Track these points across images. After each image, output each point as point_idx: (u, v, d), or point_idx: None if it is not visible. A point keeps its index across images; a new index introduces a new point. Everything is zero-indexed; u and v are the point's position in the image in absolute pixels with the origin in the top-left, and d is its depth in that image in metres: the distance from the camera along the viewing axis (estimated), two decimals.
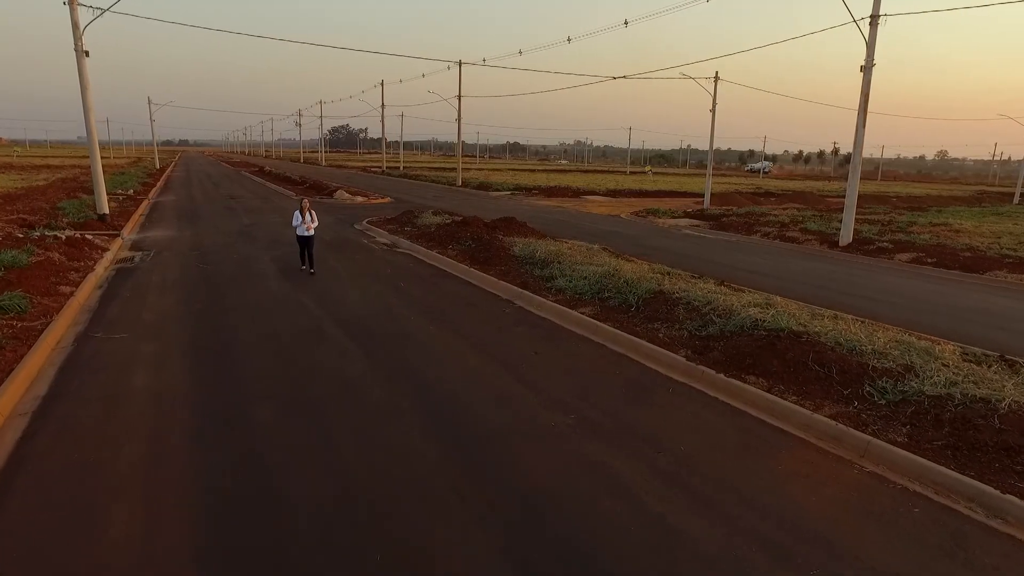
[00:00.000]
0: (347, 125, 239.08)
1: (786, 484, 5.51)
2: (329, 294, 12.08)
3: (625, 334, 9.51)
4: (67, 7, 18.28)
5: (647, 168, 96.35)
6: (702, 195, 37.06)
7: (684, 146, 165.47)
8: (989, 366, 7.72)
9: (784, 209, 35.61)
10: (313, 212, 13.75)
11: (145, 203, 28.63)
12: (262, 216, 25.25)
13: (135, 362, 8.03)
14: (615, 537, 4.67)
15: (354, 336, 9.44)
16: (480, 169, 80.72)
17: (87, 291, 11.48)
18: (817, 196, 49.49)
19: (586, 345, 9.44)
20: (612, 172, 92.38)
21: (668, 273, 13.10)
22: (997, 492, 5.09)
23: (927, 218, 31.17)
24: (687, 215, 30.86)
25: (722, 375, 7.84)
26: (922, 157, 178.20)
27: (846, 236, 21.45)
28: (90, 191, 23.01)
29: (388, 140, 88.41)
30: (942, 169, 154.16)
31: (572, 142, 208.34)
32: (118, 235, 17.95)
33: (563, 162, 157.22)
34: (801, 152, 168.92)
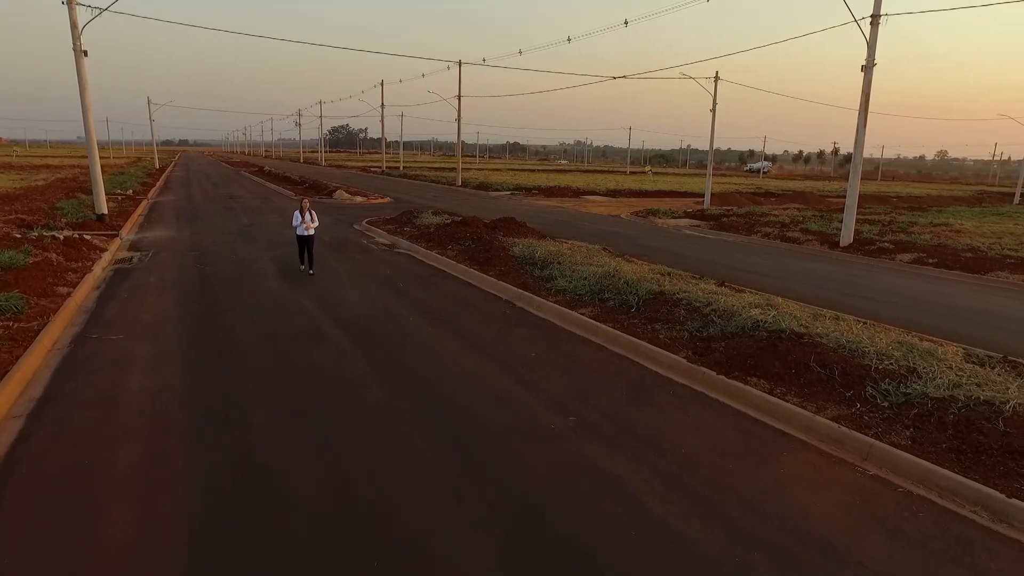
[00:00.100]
0: (347, 125, 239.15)
1: (788, 487, 5.45)
2: (328, 294, 12.02)
3: (625, 335, 9.45)
4: (65, 6, 18.22)
5: (647, 168, 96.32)
6: (702, 195, 37.02)
7: (684, 146, 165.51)
8: (992, 368, 7.67)
9: (784, 209, 35.56)
10: (313, 212, 13.69)
11: (144, 203, 28.57)
12: (261, 216, 25.19)
13: (132, 363, 7.97)
14: (615, 540, 4.62)
15: (353, 337, 9.38)
16: (480, 169, 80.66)
17: (84, 292, 11.42)
18: (817, 196, 49.45)
19: (586, 346, 9.38)
20: (612, 172, 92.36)
21: (668, 274, 13.04)
22: (1003, 496, 5.03)
23: (928, 218, 31.12)
24: (687, 215, 30.81)
25: (723, 376, 7.78)
26: (922, 157, 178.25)
27: (847, 236, 21.39)
28: (89, 191, 22.94)
29: (388, 140, 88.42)
30: (942, 169, 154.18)
31: (572, 142, 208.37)
32: (116, 235, 17.89)
33: (563, 162, 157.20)
34: (801, 152, 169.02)
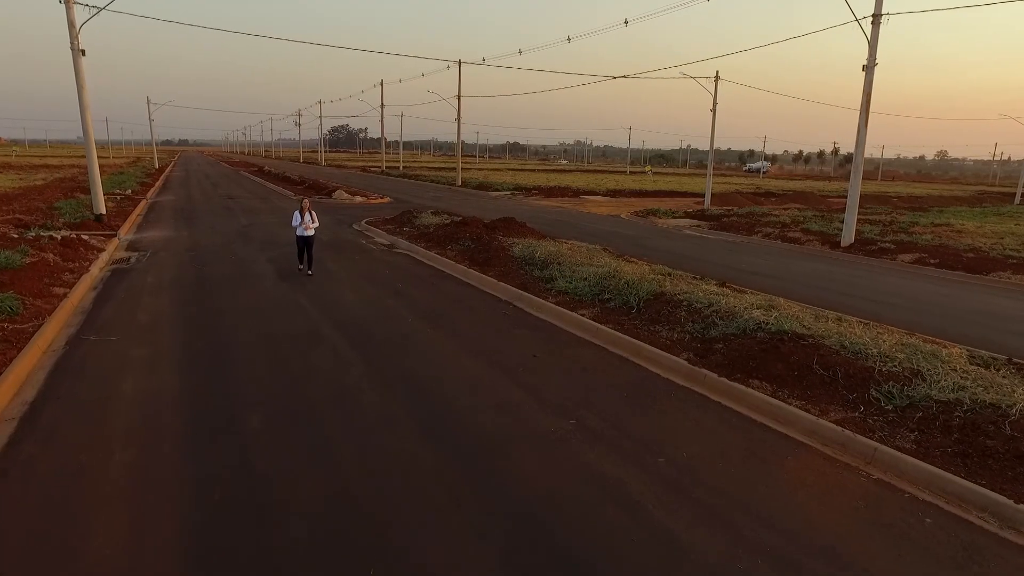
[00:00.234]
0: (347, 125, 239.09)
1: (791, 492, 5.36)
2: (326, 296, 11.93)
3: (626, 337, 9.36)
4: (63, 5, 18.12)
5: (647, 168, 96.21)
6: (702, 195, 36.93)
7: (684, 146, 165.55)
8: (997, 370, 7.58)
9: (785, 209, 35.48)
10: (313, 212, 13.57)
11: (143, 203, 28.48)
12: (260, 216, 25.10)
13: (127, 366, 7.88)
14: (617, 547, 4.53)
15: (351, 339, 9.29)
16: (480, 169, 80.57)
17: (81, 292, 11.33)
18: (818, 196, 49.38)
19: (586, 348, 9.29)
20: (612, 172, 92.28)
21: (669, 274, 12.95)
22: (1011, 502, 4.94)
23: (929, 218, 31.03)
24: (687, 215, 30.73)
25: (725, 379, 7.70)
26: (922, 157, 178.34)
27: (848, 237, 21.30)
28: (88, 191, 22.84)
29: (388, 140, 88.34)
30: (942, 169, 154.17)
31: (572, 142, 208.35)
32: (115, 235, 17.80)
33: (563, 162, 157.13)
34: (801, 152, 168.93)
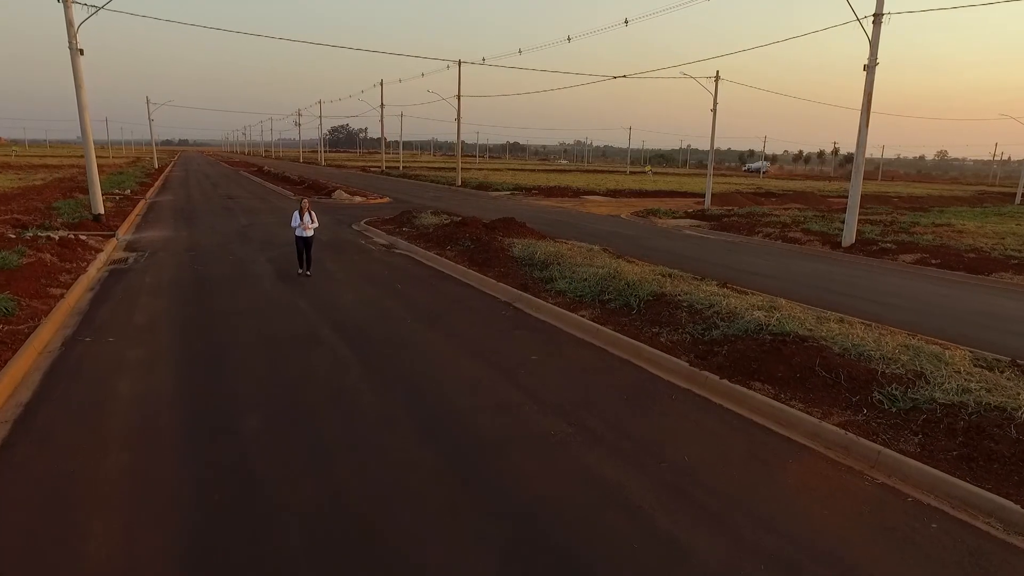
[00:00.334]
0: (347, 125, 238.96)
1: (794, 496, 5.30)
2: (325, 297, 11.86)
3: (626, 338, 9.29)
4: (61, 4, 18.05)
5: (647, 168, 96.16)
6: (702, 195, 36.86)
7: (684, 146, 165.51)
8: (1002, 372, 7.51)
9: (785, 209, 35.41)
10: (313, 213, 13.47)
11: (142, 203, 28.42)
12: (259, 216, 25.03)
13: (123, 367, 7.80)
14: (617, 552, 4.46)
15: (349, 340, 9.22)
16: (480, 169, 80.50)
17: (78, 293, 11.26)
18: (818, 196, 49.32)
19: (586, 349, 9.22)
20: (612, 172, 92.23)
21: (670, 275, 12.89)
22: (1018, 507, 4.87)
23: (929, 218, 30.96)
24: (688, 215, 30.66)
25: (726, 381, 7.63)
26: (922, 157, 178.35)
27: (849, 237, 21.23)
28: (87, 191, 22.77)
29: (388, 140, 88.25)
30: (942, 169, 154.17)
31: (572, 142, 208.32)
32: (113, 236, 17.73)
33: (563, 162, 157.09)
34: (801, 152, 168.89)
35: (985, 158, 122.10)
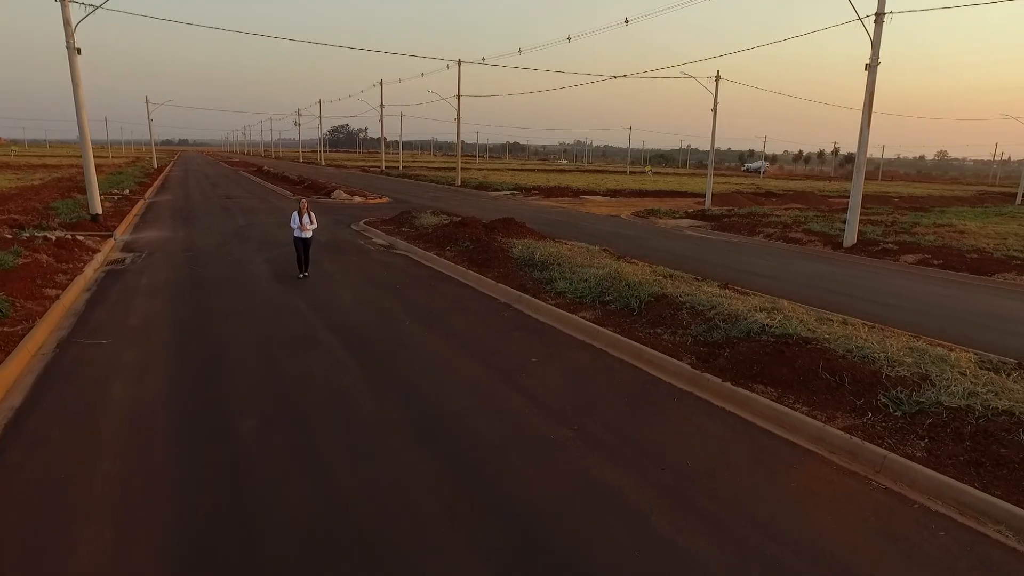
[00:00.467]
0: (347, 125, 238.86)
1: (799, 503, 5.19)
2: (323, 298, 11.76)
3: (627, 340, 9.19)
4: (58, 3, 17.95)
5: (647, 168, 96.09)
6: (702, 195, 36.76)
7: (684, 146, 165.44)
8: (1008, 375, 7.40)
9: (786, 209, 35.30)
10: (312, 214, 13.33)
11: (140, 203, 28.32)
12: (258, 216, 24.92)
13: (117, 370, 7.70)
14: (618, 559, 4.36)
15: (347, 342, 9.12)
16: (480, 169, 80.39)
17: (74, 294, 11.16)
18: (819, 196, 49.22)
19: (587, 351, 9.12)
20: (612, 172, 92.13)
21: (670, 276, 12.79)
22: None
23: (930, 219, 30.85)
24: (688, 216, 30.55)
25: (729, 383, 7.52)
26: (922, 157, 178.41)
27: (850, 237, 21.13)
28: (85, 191, 22.67)
29: (388, 140, 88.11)
30: (942, 169, 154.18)
31: (572, 142, 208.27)
32: (110, 236, 17.63)
33: (563, 162, 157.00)
34: (801, 152, 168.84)
35: (985, 158, 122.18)
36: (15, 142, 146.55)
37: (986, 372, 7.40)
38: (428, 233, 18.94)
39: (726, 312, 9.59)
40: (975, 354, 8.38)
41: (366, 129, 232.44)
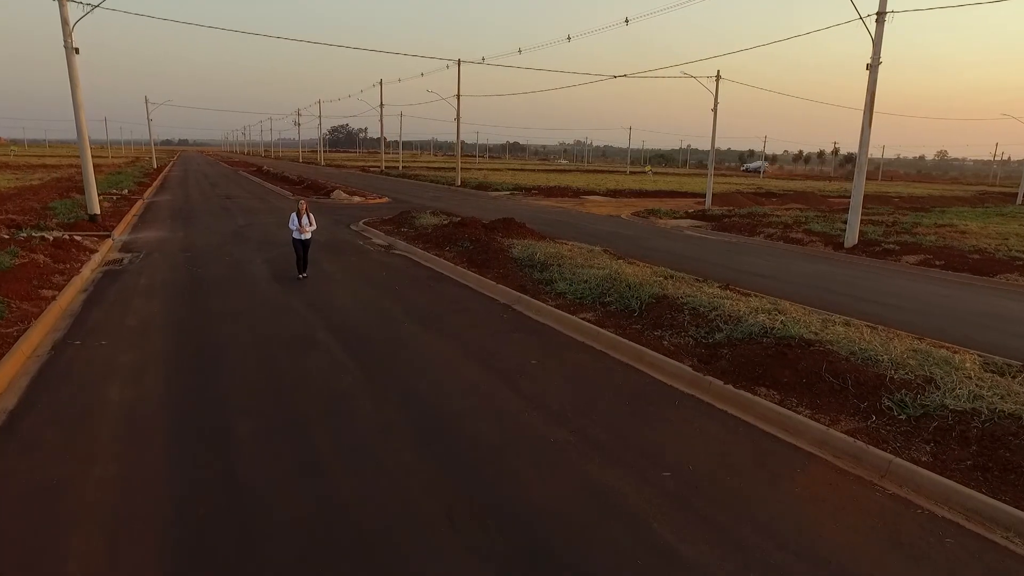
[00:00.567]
0: (346, 125, 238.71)
1: (803, 508, 5.11)
2: (321, 298, 11.67)
3: (628, 341, 9.11)
4: (56, 2, 17.86)
5: (647, 168, 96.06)
6: (702, 195, 36.68)
7: (684, 146, 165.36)
8: (1013, 377, 7.33)
9: (787, 210, 35.21)
10: (311, 215, 13.20)
11: (139, 203, 28.24)
12: (257, 216, 24.84)
13: (113, 372, 7.62)
14: (619, 566, 4.29)
15: (346, 344, 9.04)
16: (480, 169, 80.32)
17: (70, 295, 11.08)
18: (819, 196, 49.15)
19: (587, 353, 9.04)
20: (612, 172, 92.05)
21: (671, 276, 12.71)
22: None
23: (931, 219, 30.77)
24: (688, 216, 30.47)
25: (731, 386, 7.45)
26: (922, 157, 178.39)
27: (851, 238, 21.04)
28: (84, 191, 22.59)
29: (387, 140, 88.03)
30: (942, 169, 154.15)
31: (572, 142, 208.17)
32: (108, 236, 17.55)
33: (563, 162, 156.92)
34: (801, 152, 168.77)
35: (985, 158, 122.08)
36: (15, 142, 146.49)
37: (991, 375, 7.32)
38: (428, 233, 18.86)
39: (727, 313, 9.51)
40: (979, 356, 8.29)
41: (366, 129, 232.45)
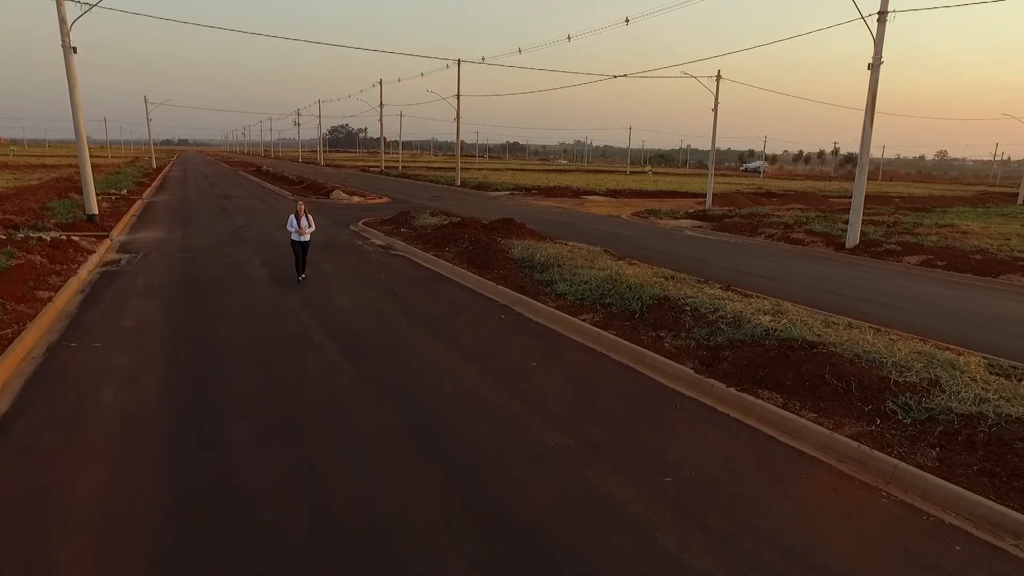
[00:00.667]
0: (346, 124, 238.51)
1: (809, 516, 5.02)
2: (320, 300, 11.58)
3: (629, 343, 9.02)
4: (53, 2, 17.77)
5: (647, 168, 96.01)
6: (702, 195, 36.59)
7: (684, 146, 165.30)
8: (1019, 380, 7.23)
9: (787, 210, 35.10)
10: (309, 216, 13.04)
11: (138, 203, 28.14)
12: (256, 217, 24.74)
13: (108, 375, 7.52)
14: (620, 575, 4.20)
15: (344, 346, 8.95)
16: (479, 169, 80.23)
17: (67, 296, 10.98)
18: (819, 196, 49.03)
19: (587, 355, 8.95)
20: (612, 172, 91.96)
21: (672, 277, 12.62)
22: None
23: (932, 219, 30.68)
24: (689, 216, 30.37)
25: (733, 389, 7.36)
26: (922, 157, 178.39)
27: (853, 238, 20.96)
28: (82, 191, 22.49)
29: (387, 140, 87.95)
30: (942, 169, 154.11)
31: (572, 142, 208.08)
32: (106, 236, 17.46)
33: (563, 162, 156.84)
34: (801, 152, 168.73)
35: (985, 158, 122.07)
36: (15, 142, 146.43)
37: (996, 377, 7.23)
38: (427, 234, 18.76)
39: (729, 315, 9.42)
40: (984, 358, 8.20)
41: (366, 129, 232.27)
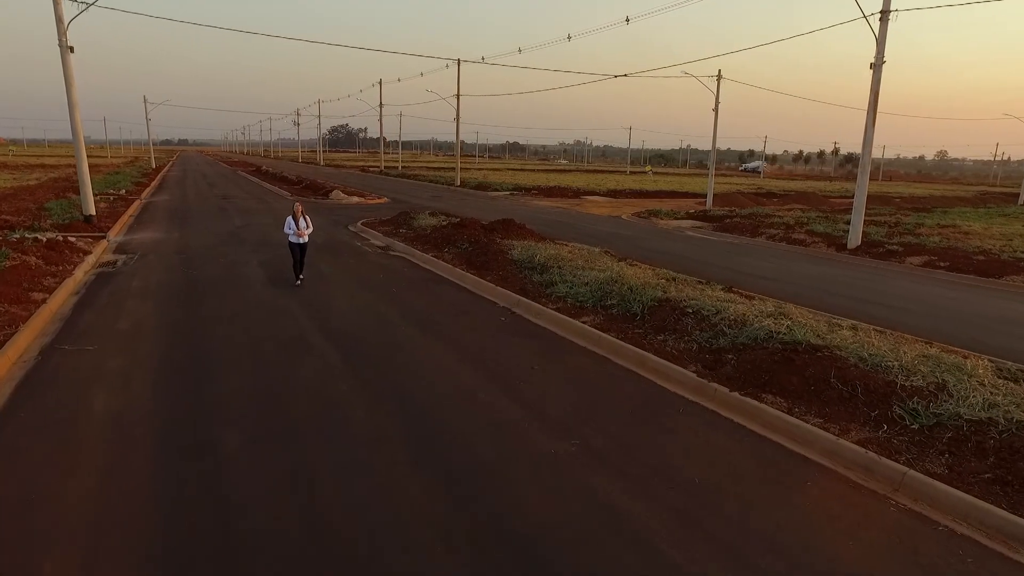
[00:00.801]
0: (346, 124, 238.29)
1: (817, 525, 4.89)
2: (317, 301, 11.46)
3: (630, 346, 8.90)
4: (51, 1, 17.64)
5: (647, 168, 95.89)
6: (703, 195, 36.47)
7: (684, 146, 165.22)
8: None
9: (788, 210, 34.97)
10: (307, 217, 12.89)
11: (136, 203, 28.02)
12: (255, 217, 24.62)
13: (101, 379, 7.40)
14: None
15: (341, 349, 8.82)
16: (479, 169, 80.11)
17: (61, 298, 10.86)
18: (820, 196, 48.96)
19: (588, 358, 8.83)
20: (612, 172, 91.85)
21: (674, 279, 12.49)
22: None
23: (934, 219, 30.55)
24: (689, 216, 30.25)
25: (736, 393, 7.23)
26: (922, 157, 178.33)
27: (854, 239, 20.83)
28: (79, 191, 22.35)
29: (387, 140, 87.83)
30: (942, 169, 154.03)
31: (572, 142, 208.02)
32: (103, 237, 17.34)
33: (563, 162, 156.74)
34: (801, 152, 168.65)
35: (985, 158, 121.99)
36: (14, 142, 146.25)
37: (1005, 381, 7.10)
38: (426, 235, 18.64)
39: (732, 317, 9.29)
40: (991, 361, 8.07)
41: (366, 129, 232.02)
